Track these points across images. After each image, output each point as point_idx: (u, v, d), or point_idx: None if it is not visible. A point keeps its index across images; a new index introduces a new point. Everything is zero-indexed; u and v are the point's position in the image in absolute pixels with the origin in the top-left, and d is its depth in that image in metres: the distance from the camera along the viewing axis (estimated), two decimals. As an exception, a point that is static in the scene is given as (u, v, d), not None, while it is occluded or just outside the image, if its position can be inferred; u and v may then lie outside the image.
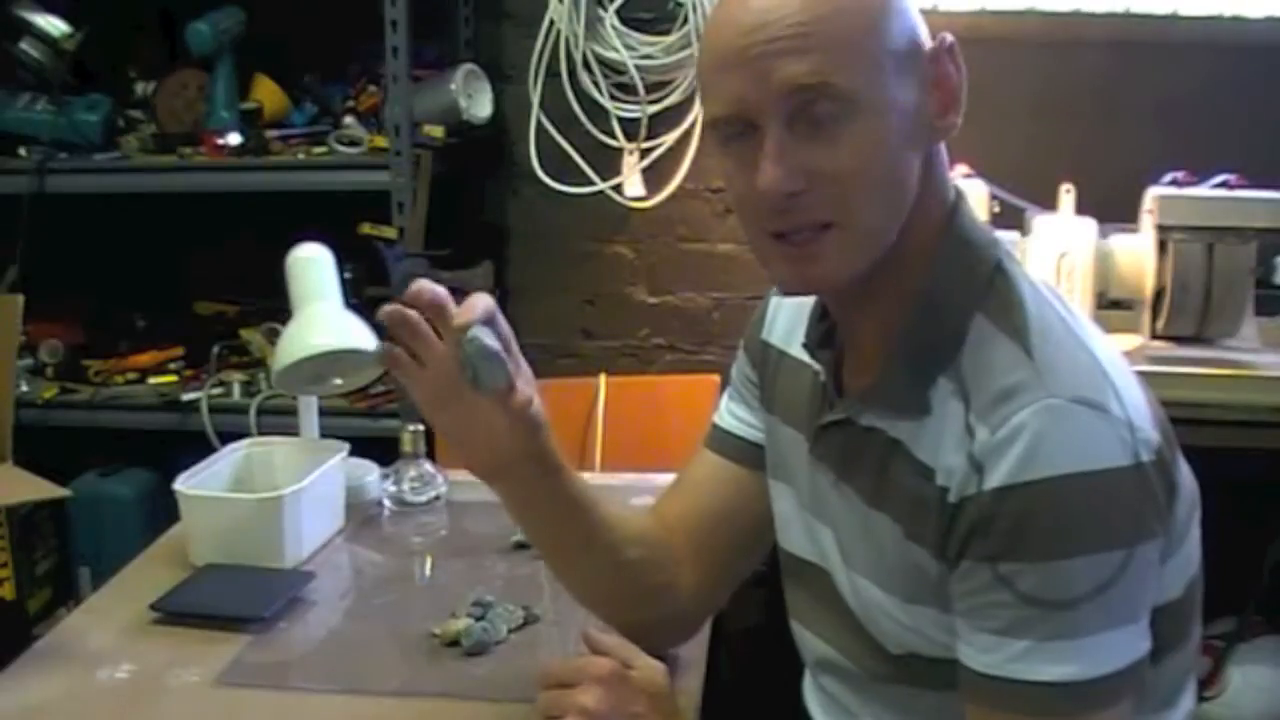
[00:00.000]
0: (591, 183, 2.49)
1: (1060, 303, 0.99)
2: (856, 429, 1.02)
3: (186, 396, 2.39)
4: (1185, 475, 0.98)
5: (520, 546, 1.56)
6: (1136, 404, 0.92)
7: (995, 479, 0.89)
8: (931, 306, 0.98)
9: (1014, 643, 0.89)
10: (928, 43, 0.97)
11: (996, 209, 2.07)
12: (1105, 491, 0.88)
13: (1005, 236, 1.31)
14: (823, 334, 1.08)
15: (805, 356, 1.10)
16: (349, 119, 2.41)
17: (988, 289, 0.97)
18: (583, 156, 2.48)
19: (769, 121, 0.93)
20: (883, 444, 1.00)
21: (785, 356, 1.16)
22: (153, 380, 2.46)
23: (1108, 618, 0.89)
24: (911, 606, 0.98)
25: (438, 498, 1.72)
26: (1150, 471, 0.90)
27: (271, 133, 2.40)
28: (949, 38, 0.97)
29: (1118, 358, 0.97)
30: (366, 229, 2.21)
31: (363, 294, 2.15)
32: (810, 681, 1.18)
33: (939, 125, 0.97)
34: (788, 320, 1.17)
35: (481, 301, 1.06)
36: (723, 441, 1.24)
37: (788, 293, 1.05)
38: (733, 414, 1.24)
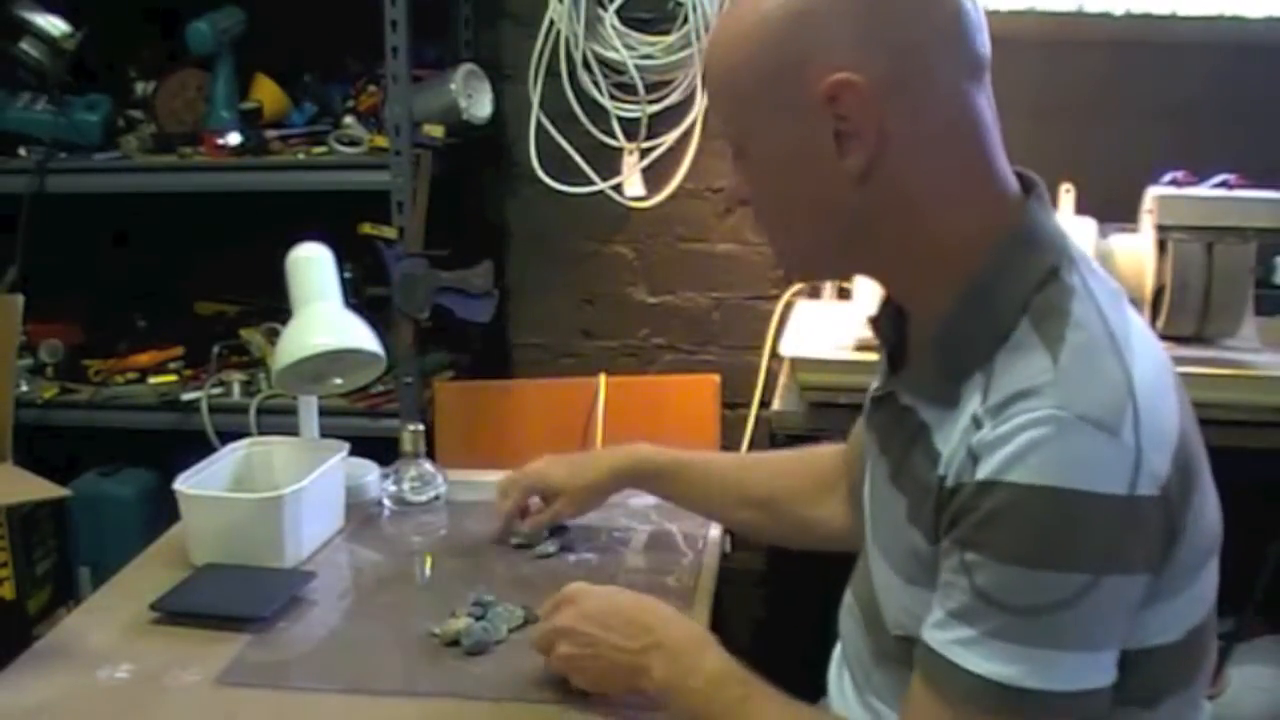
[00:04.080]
0: (591, 183, 2.49)
1: (1119, 316, 0.95)
2: (897, 405, 1.05)
3: (186, 396, 2.39)
4: (1203, 520, 0.94)
5: (520, 547, 1.56)
6: (1158, 438, 0.89)
7: (982, 472, 0.90)
8: (977, 302, 0.97)
9: (961, 628, 0.91)
10: (825, 81, 0.94)
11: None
12: (1083, 514, 0.86)
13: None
14: (890, 311, 1.11)
15: None
16: (349, 119, 2.41)
17: (1036, 293, 0.96)
18: (583, 156, 2.48)
19: None
20: (913, 424, 1.02)
21: None
22: (153, 380, 2.46)
23: (1057, 637, 0.88)
24: (906, 586, 1.01)
25: (438, 498, 1.72)
26: (1146, 507, 0.88)
27: (271, 133, 2.40)
28: (842, 78, 0.94)
29: (1164, 384, 0.94)
30: (366, 229, 2.21)
31: (363, 294, 2.16)
32: (837, 655, 1.22)
33: (845, 165, 0.96)
34: None
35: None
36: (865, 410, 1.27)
37: None
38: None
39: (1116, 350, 0.92)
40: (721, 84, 1.01)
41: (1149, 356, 0.94)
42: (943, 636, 0.92)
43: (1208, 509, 0.96)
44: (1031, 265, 0.97)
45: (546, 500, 1.57)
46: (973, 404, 0.94)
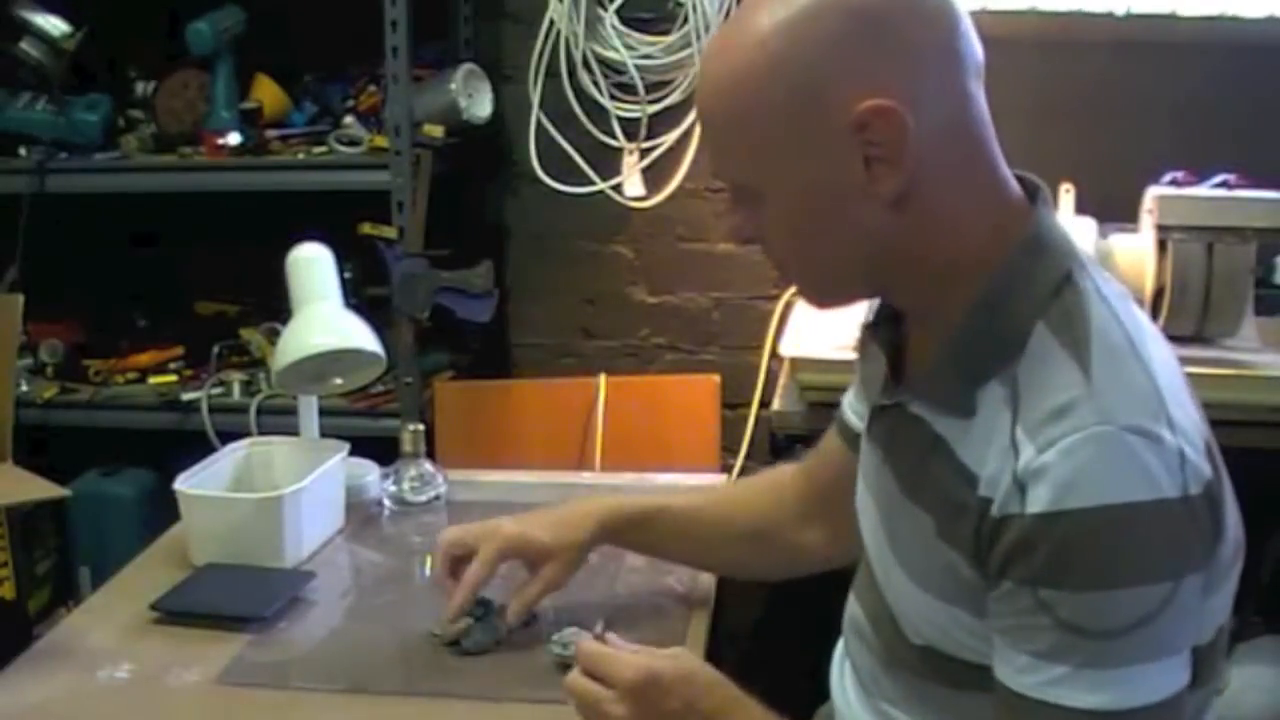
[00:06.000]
0: (591, 183, 2.49)
1: (1131, 318, 0.96)
2: (906, 415, 1.02)
3: (186, 396, 2.39)
4: (1233, 519, 0.95)
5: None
6: (1190, 434, 0.90)
7: (1038, 504, 0.87)
8: (992, 309, 0.96)
9: (1053, 667, 0.88)
10: (852, 109, 0.91)
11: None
12: (1150, 525, 0.86)
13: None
14: (887, 316, 1.09)
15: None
16: (349, 119, 2.41)
17: (1053, 298, 0.95)
18: (583, 156, 2.48)
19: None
20: (926, 436, 0.99)
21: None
22: (153, 380, 2.46)
23: (1149, 650, 0.87)
24: (936, 602, 0.98)
25: (438, 497, 1.73)
26: (1198, 504, 0.88)
27: (271, 133, 2.40)
28: (873, 104, 0.91)
29: (1179, 381, 0.95)
30: (366, 229, 2.21)
31: (363, 294, 2.16)
32: (840, 650, 1.20)
33: (878, 191, 0.94)
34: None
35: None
36: (840, 424, 1.30)
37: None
38: (848, 401, 1.29)
39: (1137, 354, 0.92)
40: (731, 127, 0.96)
41: (1163, 357, 0.95)
42: (1033, 680, 0.89)
43: (1233, 505, 0.96)
44: (1044, 270, 0.96)
45: (530, 567, 1.36)
46: (1002, 420, 0.92)
